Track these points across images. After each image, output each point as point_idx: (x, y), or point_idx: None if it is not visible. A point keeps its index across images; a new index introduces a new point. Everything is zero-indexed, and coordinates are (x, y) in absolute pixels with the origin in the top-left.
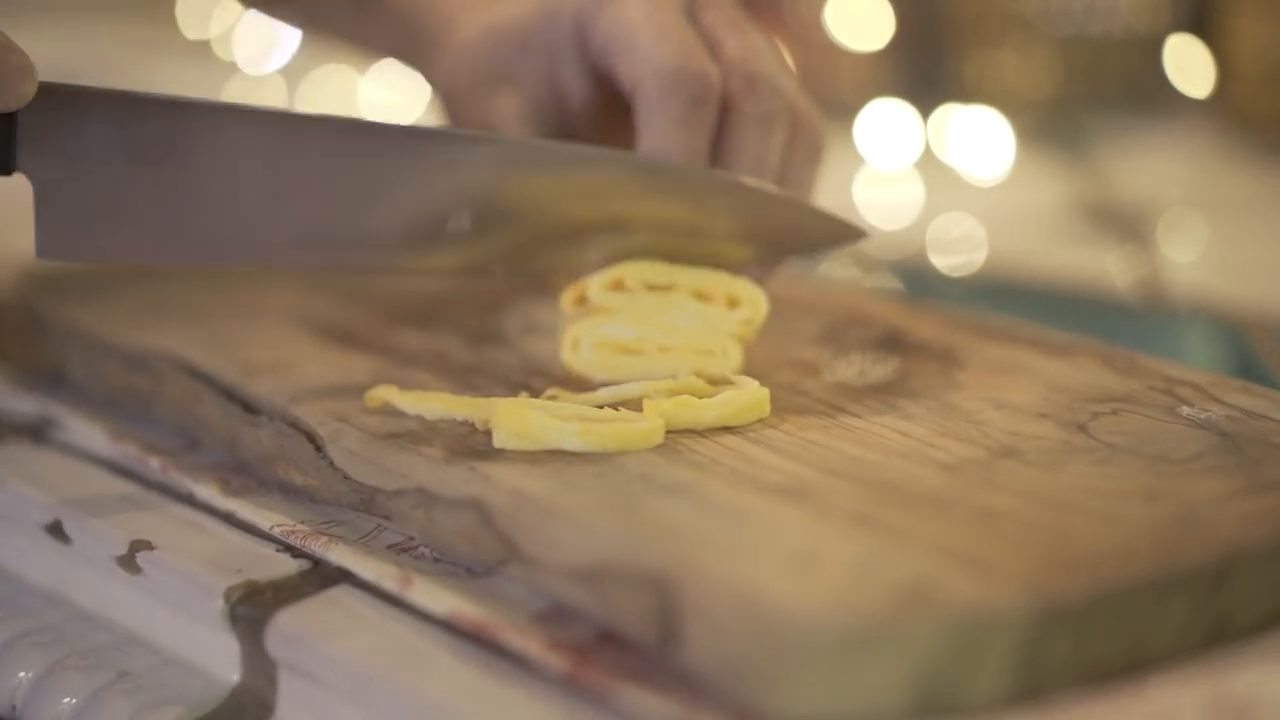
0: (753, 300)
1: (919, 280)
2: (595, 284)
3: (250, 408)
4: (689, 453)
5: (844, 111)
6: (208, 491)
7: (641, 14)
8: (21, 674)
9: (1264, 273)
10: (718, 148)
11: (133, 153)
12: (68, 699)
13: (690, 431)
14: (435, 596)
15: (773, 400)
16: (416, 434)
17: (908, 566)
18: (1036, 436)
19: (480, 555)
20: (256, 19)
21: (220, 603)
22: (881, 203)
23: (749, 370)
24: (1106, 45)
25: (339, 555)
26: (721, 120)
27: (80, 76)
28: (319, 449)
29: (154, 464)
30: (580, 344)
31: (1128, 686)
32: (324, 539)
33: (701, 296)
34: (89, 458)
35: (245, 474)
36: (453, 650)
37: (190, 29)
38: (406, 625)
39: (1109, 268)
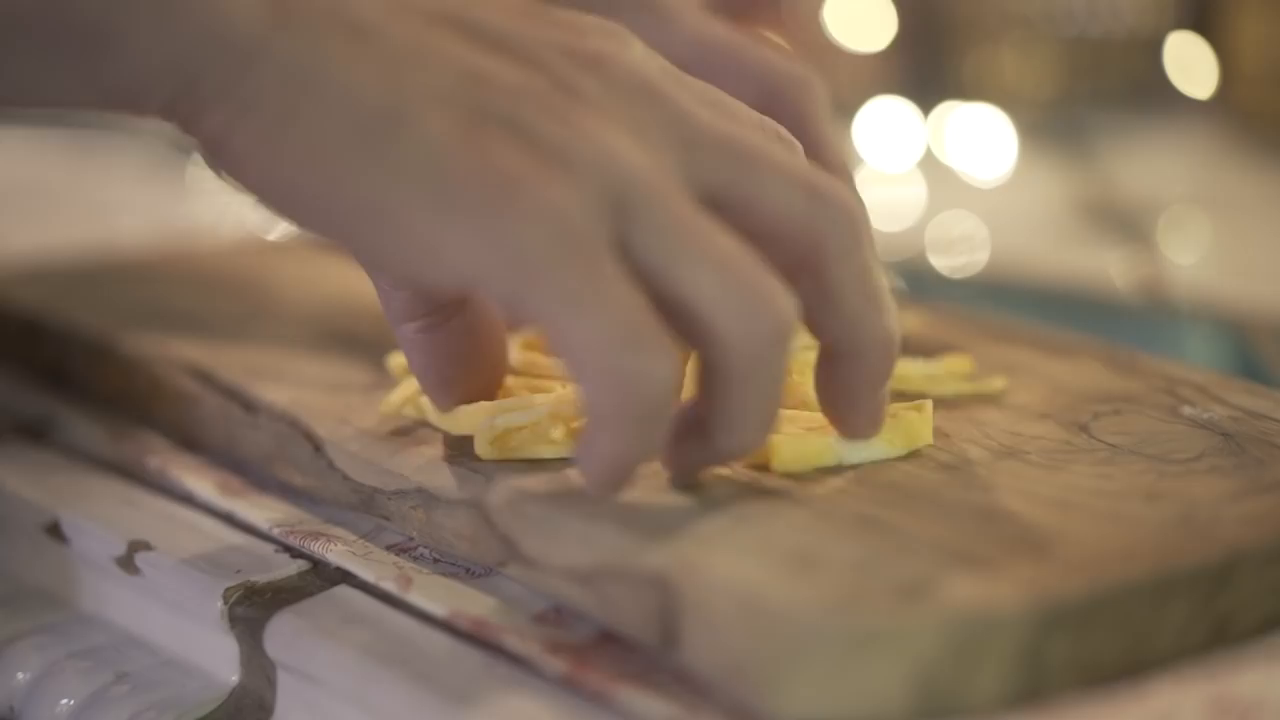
0: None
1: (919, 280)
2: None
3: (249, 408)
4: None
5: (844, 111)
6: (206, 492)
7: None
8: (19, 675)
9: (1266, 272)
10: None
11: None
12: (66, 700)
13: None
14: (435, 597)
15: None
16: (416, 434)
17: (908, 566)
18: (1038, 436)
19: (480, 555)
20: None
21: (219, 603)
22: (882, 203)
23: None
24: (1108, 44)
25: (338, 556)
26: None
27: None
28: (318, 449)
29: (153, 464)
30: None
31: (1128, 688)
32: (323, 539)
33: None
34: (88, 458)
35: (244, 474)
36: (452, 651)
37: None
38: (406, 626)
39: (1110, 268)
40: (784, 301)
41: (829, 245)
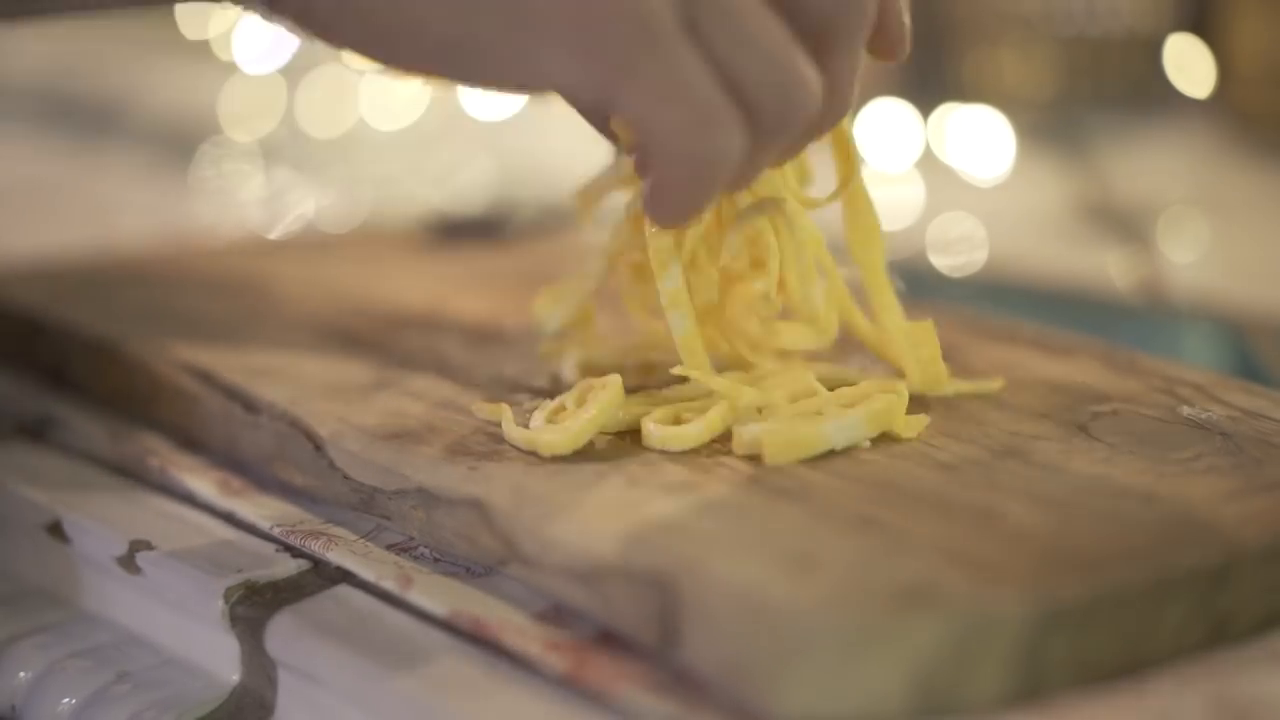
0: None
1: (919, 280)
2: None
3: (250, 407)
4: (689, 452)
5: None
6: (207, 491)
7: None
8: (21, 674)
9: (1264, 273)
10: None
11: None
12: (67, 699)
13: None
14: (435, 596)
15: None
16: (416, 434)
17: (908, 566)
18: (1037, 436)
19: (480, 555)
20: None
21: (220, 603)
22: (881, 203)
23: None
24: (1107, 45)
25: (339, 555)
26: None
27: (80, 76)
28: (319, 449)
29: (153, 464)
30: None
31: (1128, 687)
32: (324, 539)
33: None
34: (89, 458)
35: (245, 474)
36: (453, 650)
37: (190, 29)
38: (406, 625)
39: (1109, 268)
40: (812, 84)
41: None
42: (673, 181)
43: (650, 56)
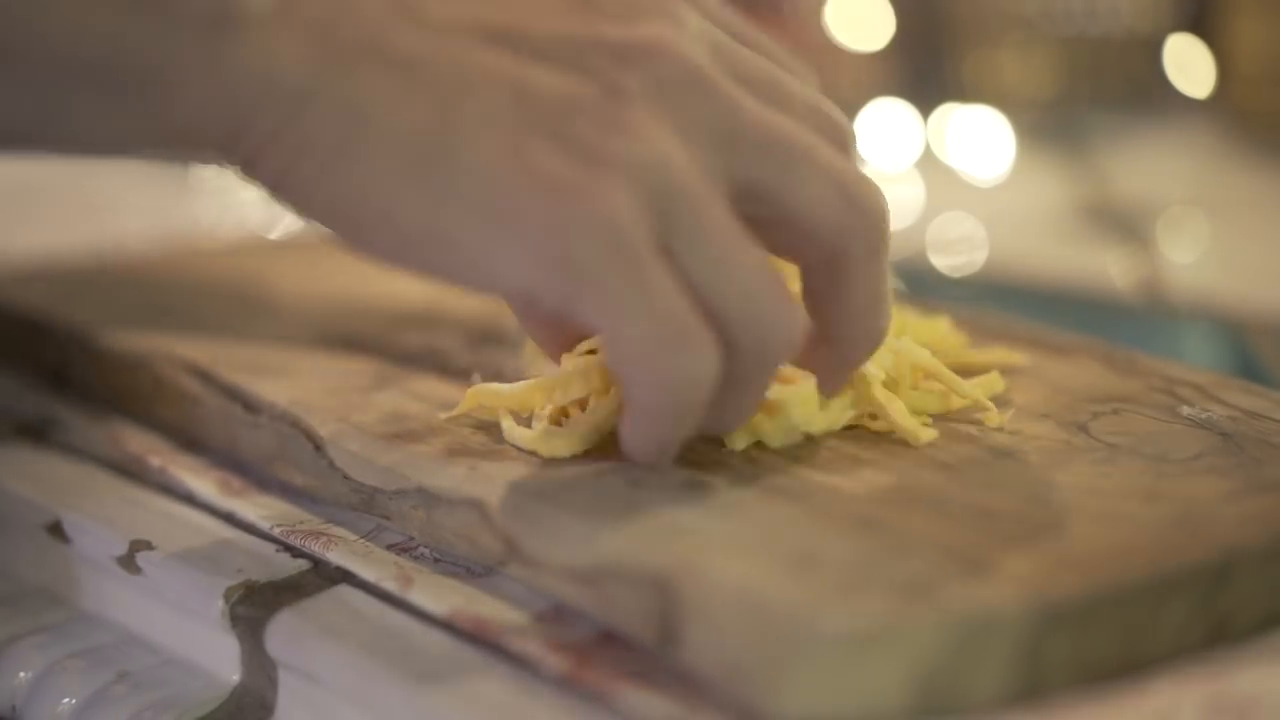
0: None
1: (919, 280)
2: None
3: (250, 407)
4: (689, 452)
5: (844, 111)
6: (207, 491)
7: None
8: (21, 674)
9: (1264, 273)
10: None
11: None
12: (67, 699)
13: None
14: (435, 596)
15: None
16: (417, 434)
17: (908, 566)
18: (1037, 436)
19: (480, 555)
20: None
21: (220, 603)
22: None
23: None
24: (1107, 45)
25: (339, 555)
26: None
27: None
28: (319, 448)
29: (154, 464)
30: None
31: (1128, 687)
32: (324, 539)
33: None
34: (89, 458)
35: (245, 474)
36: (453, 650)
37: None
38: (406, 625)
39: (1109, 268)
40: (795, 322)
41: (853, 249)
42: (642, 407)
43: (618, 268)
